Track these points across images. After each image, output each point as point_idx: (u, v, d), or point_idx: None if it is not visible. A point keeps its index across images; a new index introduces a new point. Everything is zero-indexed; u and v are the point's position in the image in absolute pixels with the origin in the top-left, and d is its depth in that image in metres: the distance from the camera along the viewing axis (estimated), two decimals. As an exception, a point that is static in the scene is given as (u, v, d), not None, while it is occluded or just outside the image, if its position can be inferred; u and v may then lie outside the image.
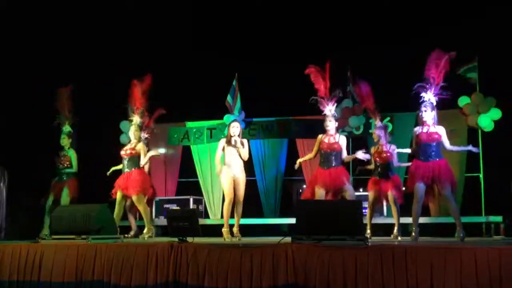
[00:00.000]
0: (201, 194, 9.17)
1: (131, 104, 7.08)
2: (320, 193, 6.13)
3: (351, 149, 7.81)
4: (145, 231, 6.77)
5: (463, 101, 7.83)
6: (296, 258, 4.35)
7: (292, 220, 4.81)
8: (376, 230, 7.31)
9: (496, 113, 7.66)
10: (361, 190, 8.44)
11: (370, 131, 8.26)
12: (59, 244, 5.20)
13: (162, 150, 7.13)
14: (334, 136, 6.33)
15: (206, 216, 9.08)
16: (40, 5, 8.41)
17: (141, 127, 7.05)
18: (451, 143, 5.85)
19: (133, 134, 6.96)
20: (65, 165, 7.42)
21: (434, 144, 5.67)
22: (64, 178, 7.40)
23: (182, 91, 8.87)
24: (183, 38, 9.19)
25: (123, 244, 5.11)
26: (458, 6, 8.04)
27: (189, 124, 9.31)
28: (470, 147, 6.02)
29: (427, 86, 5.80)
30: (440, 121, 5.84)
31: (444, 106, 6.02)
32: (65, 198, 7.29)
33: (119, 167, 7.11)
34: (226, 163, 6.23)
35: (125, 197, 6.82)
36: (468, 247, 4.15)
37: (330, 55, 6.80)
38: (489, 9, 7.76)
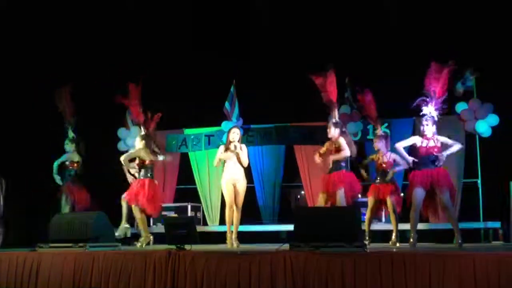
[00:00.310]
0: (199, 201, 9.14)
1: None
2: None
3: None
4: (142, 238, 6.74)
5: (460, 107, 7.84)
6: (294, 265, 4.35)
7: (291, 227, 4.80)
8: (375, 236, 7.30)
9: (493, 119, 7.68)
10: (360, 196, 8.43)
11: (368, 137, 8.28)
12: (56, 252, 5.18)
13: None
14: (335, 140, 6.34)
15: (204, 223, 9.05)
16: (37, 8, 8.41)
17: (144, 136, 7.00)
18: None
19: (138, 143, 6.95)
20: (73, 168, 7.41)
21: (433, 156, 5.71)
22: (68, 182, 7.40)
23: (180, 98, 8.87)
24: (181, 45, 9.19)
25: (121, 252, 5.09)
26: (455, 12, 8.06)
27: (187, 131, 9.30)
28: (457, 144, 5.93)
29: (428, 99, 5.83)
30: (437, 127, 5.85)
31: (442, 112, 6.02)
32: (64, 203, 7.26)
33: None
34: (226, 169, 6.21)
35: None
36: (466, 253, 4.15)
37: (328, 61, 6.83)
38: (485, 14, 7.78)
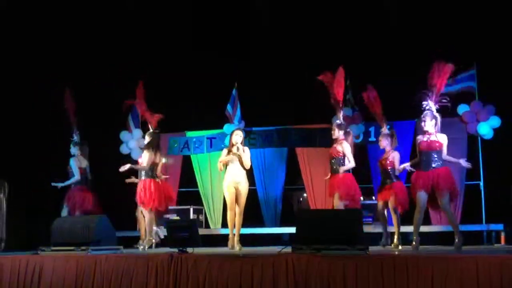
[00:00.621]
0: (201, 203, 9.15)
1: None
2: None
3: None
4: (145, 241, 6.74)
5: (462, 109, 7.84)
6: (296, 268, 4.34)
7: (293, 230, 4.80)
8: (377, 239, 7.28)
9: (495, 121, 7.67)
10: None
11: (370, 139, 8.28)
12: (58, 255, 5.18)
13: (163, 160, 7.19)
14: (339, 144, 6.40)
15: (207, 226, 9.05)
16: (38, 9, 8.43)
17: (152, 133, 7.01)
18: (450, 152, 5.84)
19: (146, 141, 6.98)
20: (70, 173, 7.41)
21: (435, 152, 5.67)
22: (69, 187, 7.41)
23: (182, 101, 8.89)
24: (183, 48, 9.22)
25: (123, 256, 5.09)
26: (456, 13, 8.06)
27: (189, 134, 9.32)
28: (462, 161, 5.92)
29: (429, 95, 5.82)
30: (438, 124, 5.83)
31: (444, 114, 6.01)
32: (64, 208, 7.26)
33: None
34: (228, 171, 6.20)
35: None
36: (469, 255, 4.14)
37: (329, 63, 6.83)
38: (487, 16, 7.78)
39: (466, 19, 7.91)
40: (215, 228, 8.93)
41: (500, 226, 7.40)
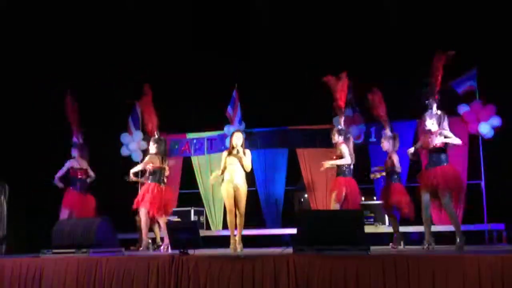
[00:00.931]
0: (202, 205, 9.14)
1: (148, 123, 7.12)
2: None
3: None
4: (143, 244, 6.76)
5: (462, 108, 7.84)
6: (297, 269, 4.34)
7: (294, 230, 4.79)
8: (379, 239, 7.28)
9: (496, 121, 7.66)
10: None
11: (371, 140, 8.28)
12: (59, 258, 5.18)
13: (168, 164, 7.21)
14: (338, 147, 6.43)
15: (208, 227, 9.05)
16: (38, 10, 8.44)
17: (157, 139, 7.00)
18: (450, 152, 5.81)
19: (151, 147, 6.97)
20: (81, 175, 7.40)
21: (439, 150, 5.64)
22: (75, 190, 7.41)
23: (182, 102, 8.89)
24: (183, 49, 9.22)
25: (124, 257, 5.08)
26: (457, 13, 8.07)
27: (190, 135, 9.32)
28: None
29: (428, 93, 5.81)
30: (440, 122, 5.80)
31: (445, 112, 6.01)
32: (62, 210, 7.25)
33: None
34: (227, 173, 6.18)
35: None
36: (470, 255, 4.13)
37: (329, 63, 6.83)
38: (488, 16, 7.78)
39: (466, 19, 7.91)
40: (216, 229, 8.92)
41: (501, 226, 7.39)
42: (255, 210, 8.59)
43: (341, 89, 6.55)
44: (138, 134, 9.00)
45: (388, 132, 6.72)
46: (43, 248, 5.46)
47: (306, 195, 9.18)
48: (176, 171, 9.23)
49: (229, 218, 6.17)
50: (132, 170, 7.06)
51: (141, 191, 6.82)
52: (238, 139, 6.15)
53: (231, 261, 4.56)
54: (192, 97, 9.01)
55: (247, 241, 6.75)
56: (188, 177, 9.28)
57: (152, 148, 6.87)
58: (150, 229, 7.16)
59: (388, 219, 6.62)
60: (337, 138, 6.46)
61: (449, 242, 6.72)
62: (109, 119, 8.68)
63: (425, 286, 4.01)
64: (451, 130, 5.70)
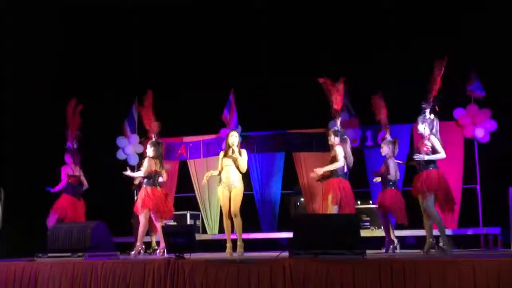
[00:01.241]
0: (198, 209, 9.13)
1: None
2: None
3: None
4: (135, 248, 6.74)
5: (458, 112, 7.87)
6: (293, 273, 4.34)
7: (290, 234, 4.79)
8: (374, 243, 7.29)
9: (491, 124, 7.69)
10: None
11: (367, 143, 8.29)
12: (54, 261, 5.16)
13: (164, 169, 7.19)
14: (333, 150, 6.42)
15: (204, 231, 9.03)
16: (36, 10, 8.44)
17: (155, 143, 6.98)
18: (446, 156, 5.83)
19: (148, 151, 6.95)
20: (72, 181, 7.38)
21: (423, 155, 5.70)
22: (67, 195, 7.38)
23: (179, 106, 8.88)
24: (179, 52, 9.22)
25: (119, 261, 5.07)
26: (453, 17, 8.11)
27: (186, 139, 9.30)
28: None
29: (424, 98, 5.86)
30: (432, 127, 5.84)
31: (440, 118, 6.03)
32: (51, 216, 7.22)
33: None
34: (223, 175, 6.12)
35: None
36: (466, 259, 4.14)
37: (324, 68, 6.84)
38: (484, 20, 7.81)
39: (463, 23, 7.96)
40: (212, 233, 8.90)
41: (497, 230, 7.40)
42: (251, 214, 8.57)
43: (337, 91, 6.55)
44: (134, 138, 8.99)
45: (388, 137, 6.74)
46: (38, 252, 5.44)
47: (302, 199, 9.16)
48: (173, 175, 9.23)
49: (225, 223, 6.13)
50: (134, 175, 7.01)
51: (140, 195, 6.76)
52: (233, 139, 6.09)
53: (227, 266, 4.55)
54: (188, 101, 9.00)
55: (244, 245, 6.72)
56: (184, 181, 9.26)
57: (150, 151, 6.85)
58: (147, 233, 7.13)
59: (383, 223, 6.61)
60: (333, 140, 6.38)
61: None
62: (104, 122, 8.66)
63: (421, 290, 4.01)
64: (447, 134, 5.76)
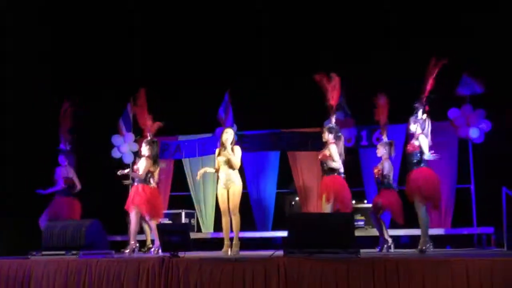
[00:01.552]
0: (193, 208, 9.12)
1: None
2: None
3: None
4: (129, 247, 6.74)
5: (452, 113, 7.89)
6: (288, 272, 4.35)
7: (285, 233, 4.80)
8: (369, 242, 7.30)
9: (485, 125, 7.72)
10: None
11: (362, 143, 8.30)
12: (48, 260, 5.15)
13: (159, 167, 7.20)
14: (326, 147, 6.41)
15: (198, 230, 9.02)
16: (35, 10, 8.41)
17: (150, 141, 6.97)
18: (441, 157, 5.87)
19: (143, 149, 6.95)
20: (67, 183, 7.37)
21: (411, 155, 5.78)
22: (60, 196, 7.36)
23: (174, 104, 8.86)
24: (176, 51, 9.21)
25: (114, 260, 5.06)
26: (447, 18, 8.13)
27: (181, 138, 9.29)
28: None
29: (418, 98, 5.88)
30: (424, 127, 5.87)
31: (434, 118, 6.06)
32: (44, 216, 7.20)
33: None
34: (221, 173, 6.09)
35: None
36: (459, 259, 4.16)
37: (321, 67, 6.83)
38: (477, 21, 7.84)
39: (458, 24, 7.99)
40: (207, 232, 8.90)
41: (490, 230, 7.44)
42: (246, 213, 8.57)
43: (332, 88, 6.55)
44: (129, 136, 8.96)
45: (385, 138, 6.76)
46: (32, 250, 5.43)
47: (297, 198, 9.17)
48: (167, 174, 9.22)
49: (223, 222, 6.10)
50: (134, 175, 7.01)
51: (131, 193, 6.79)
52: (227, 135, 6.04)
53: (221, 264, 4.56)
54: (184, 100, 9.00)
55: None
56: (179, 180, 9.25)
57: (145, 150, 6.84)
58: (141, 231, 7.12)
59: (375, 223, 6.63)
60: (327, 136, 6.40)
61: (438, 245, 6.77)
62: (99, 120, 8.63)
63: (414, 289, 4.03)
64: (442, 134, 5.79)
